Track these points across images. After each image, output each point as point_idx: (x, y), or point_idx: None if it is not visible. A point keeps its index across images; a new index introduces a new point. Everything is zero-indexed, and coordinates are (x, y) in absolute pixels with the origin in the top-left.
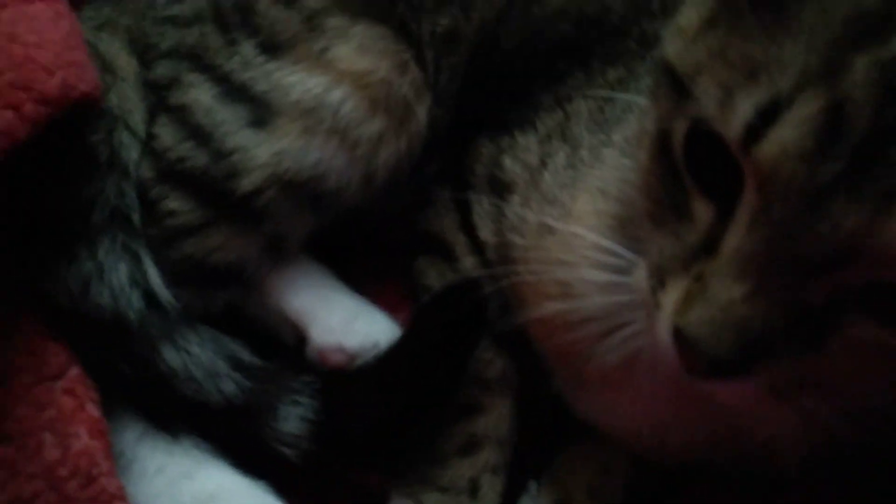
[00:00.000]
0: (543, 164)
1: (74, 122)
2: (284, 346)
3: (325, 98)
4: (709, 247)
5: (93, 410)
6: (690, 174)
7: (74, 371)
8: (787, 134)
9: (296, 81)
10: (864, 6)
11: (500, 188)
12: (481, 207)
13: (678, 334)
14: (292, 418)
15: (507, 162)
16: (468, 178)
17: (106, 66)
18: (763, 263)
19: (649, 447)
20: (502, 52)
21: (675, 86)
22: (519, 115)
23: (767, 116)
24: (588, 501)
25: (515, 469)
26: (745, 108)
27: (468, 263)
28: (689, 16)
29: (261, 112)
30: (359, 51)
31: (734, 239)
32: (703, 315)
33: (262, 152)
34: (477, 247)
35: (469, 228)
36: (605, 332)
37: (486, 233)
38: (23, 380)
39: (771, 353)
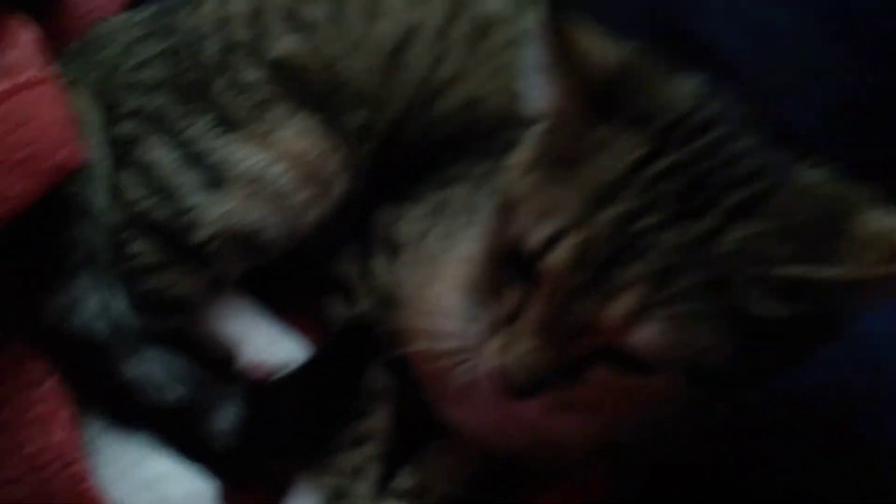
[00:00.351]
0: (426, 233)
1: None
2: (217, 360)
3: (268, 171)
4: (514, 316)
5: (68, 410)
6: (510, 268)
7: (53, 379)
8: (558, 256)
9: (244, 156)
10: (605, 178)
11: (393, 248)
12: (378, 261)
13: (498, 369)
14: (225, 418)
15: (402, 227)
16: (372, 237)
17: (78, 121)
18: (545, 329)
19: (488, 444)
20: (405, 141)
21: (505, 207)
22: (415, 190)
23: (552, 242)
24: (444, 482)
25: (394, 458)
26: (540, 236)
27: (365, 305)
28: (519, 155)
29: (214, 177)
30: (297, 135)
31: (531, 313)
32: (510, 359)
33: (214, 211)
34: (372, 292)
35: (368, 277)
36: (458, 363)
37: (380, 281)
38: (8, 386)
39: (548, 384)
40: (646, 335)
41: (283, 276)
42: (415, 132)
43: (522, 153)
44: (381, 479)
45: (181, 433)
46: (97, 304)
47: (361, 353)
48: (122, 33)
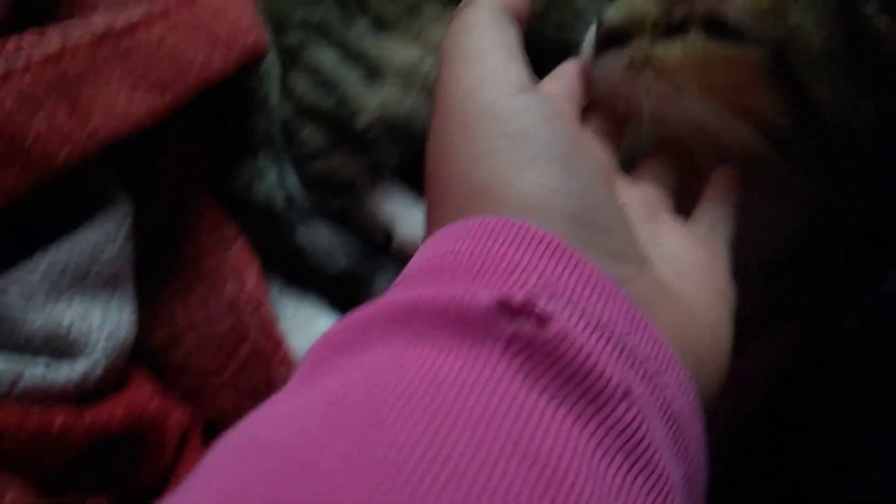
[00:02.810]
0: None
1: (242, 72)
2: (376, 237)
3: (420, 64)
4: None
5: (257, 265)
6: None
7: (242, 238)
8: None
9: (399, 51)
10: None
11: None
12: None
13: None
14: (384, 285)
15: None
16: None
17: None
18: None
19: None
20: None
21: None
22: None
23: None
24: None
25: None
26: None
27: None
28: None
29: (372, 71)
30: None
31: None
32: (612, 9)
33: (372, 100)
34: None
35: None
36: None
37: None
38: (211, 243)
39: (641, 35)
40: None
41: None
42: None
43: None
44: None
45: (346, 297)
46: (275, 178)
47: None
48: None
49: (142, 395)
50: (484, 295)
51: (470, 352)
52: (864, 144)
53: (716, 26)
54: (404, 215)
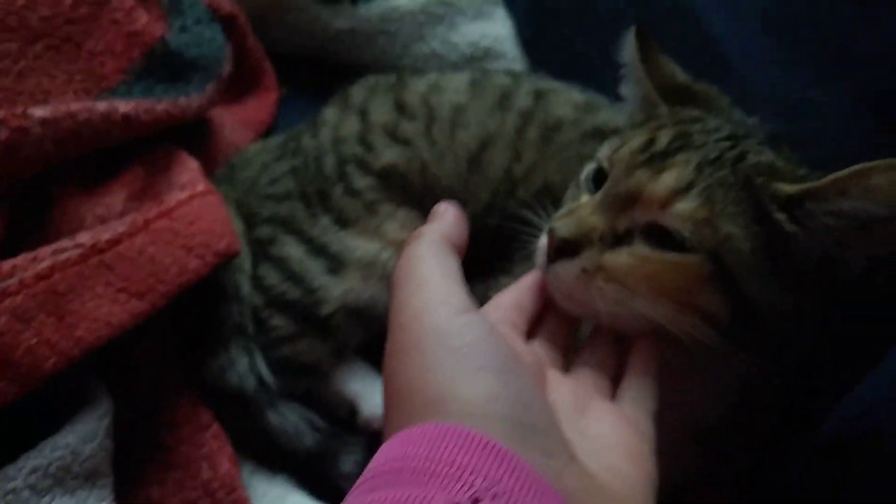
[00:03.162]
0: None
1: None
2: (341, 415)
3: (378, 256)
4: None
5: (229, 449)
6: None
7: (217, 424)
8: (632, 142)
9: (359, 245)
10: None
11: None
12: None
13: (551, 232)
14: (349, 462)
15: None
16: None
17: None
18: (604, 201)
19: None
20: (492, 227)
21: None
22: (503, 265)
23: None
24: None
25: None
26: (615, 145)
27: None
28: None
29: (335, 264)
30: (401, 227)
31: (596, 194)
32: (562, 221)
33: (336, 290)
34: None
35: None
36: None
37: None
38: (187, 429)
39: (591, 246)
40: (684, 207)
41: None
42: (499, 217)
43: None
44: None
45: (314, 475)
46: (246, 365)
47: None
48: (258, 157)
49: None
50: (438, 498)
51: None
52: (787, 330)
53: (657, 235)
54: (367, 392)
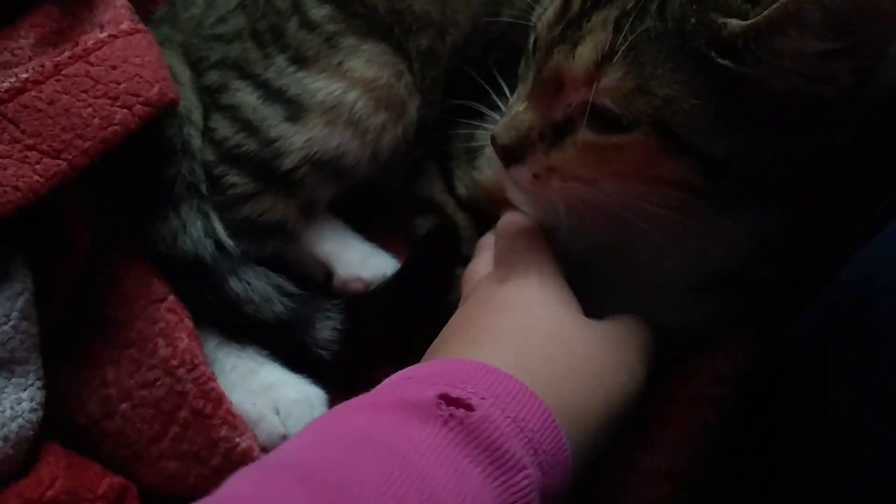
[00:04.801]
0: None
1: (156, 121)
2: (314, 281)
3: (343, 99)
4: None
5: (189, 323)
6: None
7: (172, 297)
8: (545, 16)
9: (320, 87)
10: None
11: (474, 154)
12: (460, 171)
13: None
14: (326, 329)
15: (478, 133)
16: (448, 155)
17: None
18: (532, 94)
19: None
20: (472, 61)
21: None
22: (487, 101)
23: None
24: None
25: None
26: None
27: (458, 218)
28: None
29: (294, 110)
30: (367, 63)
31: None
32: (501, 125)
33: (297, 140)
34: (460, 205)
35: (452, 191)
36: None
37: (461, 190)
38: (139, 303)
39: (535, 148)
40: (610, 81)
41: (369, 201)
42: (480, 50)
43: None
44: None
45: (286, 345)
46: (201, 228)
47: (446, 260)
48: None
49: (41, 482)
50: (432, 391)
51: (422, 423)
52: (780, 174)
53: (598, 116)
54: (342, 252)
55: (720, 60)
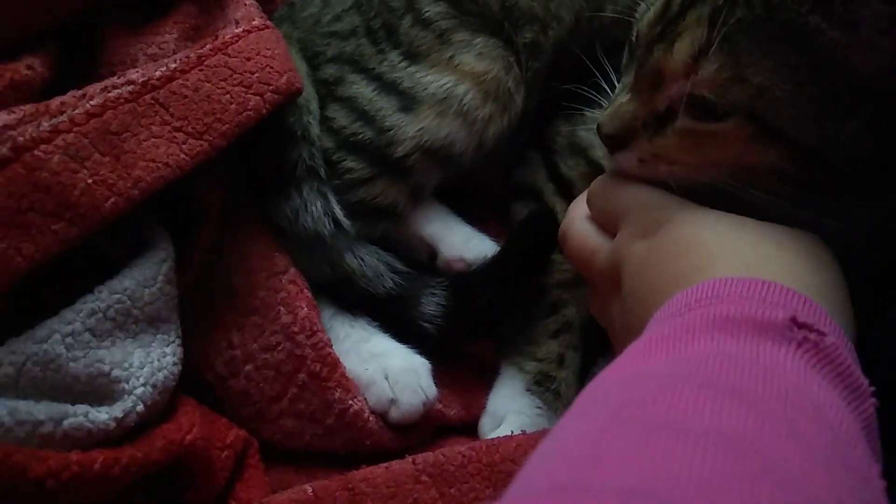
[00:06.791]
0: None
1: (280, 109)
2: (418, 261)
3: (453, 91)
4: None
5: (308, 293)
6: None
7: (293, 269)
8: (646, 16)
9: (432, 80)
10: None
11: (579, 150)
12: (565, 164)
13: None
14: (431, 304)
15: (582, 132)
16: (552, 145)
17: None
18: (635, 87)
19: None
20: (574, 54)
21: None
22: (588, 99)
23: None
24: None
25: (589, 348)
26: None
27: (555, 204)
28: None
29: (407, 101)
30: (478, 57)
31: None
32: (606, 116)
33: (409, 129)
34: (559, 191)
35: (555, 178)
36: None
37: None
38: (262, 274)
39: (638, 135)
40: (707, 73)
41: (474, 187)
42: (585, 42)
43: None
44: (580, 368)
45: (395, 318)
46: (321, 208)
47: (545, 243)
48: None
49: (181, 427)
50: (780, 314)
51: (773, 346)
52: (869, 166)
53: (699, 105)
54: (446, 234)
55: (810, 18)
